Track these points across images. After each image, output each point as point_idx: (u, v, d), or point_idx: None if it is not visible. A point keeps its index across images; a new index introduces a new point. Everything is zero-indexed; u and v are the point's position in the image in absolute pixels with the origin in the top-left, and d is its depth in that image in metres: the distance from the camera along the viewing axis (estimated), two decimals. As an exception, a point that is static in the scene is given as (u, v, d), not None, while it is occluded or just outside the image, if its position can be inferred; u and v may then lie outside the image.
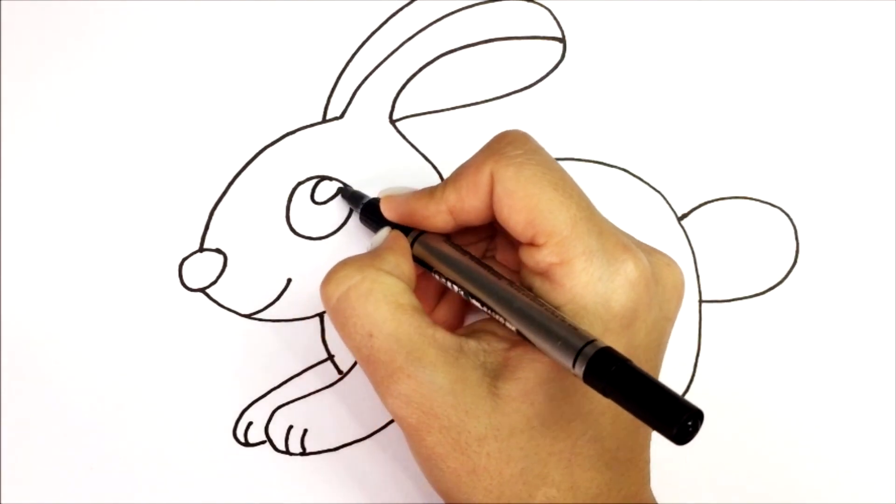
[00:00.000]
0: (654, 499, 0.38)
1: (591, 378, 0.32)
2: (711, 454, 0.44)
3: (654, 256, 0.38)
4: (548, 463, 0.35)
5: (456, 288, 0.38)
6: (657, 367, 0.38)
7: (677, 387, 0.45)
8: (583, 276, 0.36)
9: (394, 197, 0.40)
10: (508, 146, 0.37)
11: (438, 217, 0.39)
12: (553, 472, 0.35)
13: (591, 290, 0.36)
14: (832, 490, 0.44)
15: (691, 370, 0.45)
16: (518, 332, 0.35)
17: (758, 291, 0.46)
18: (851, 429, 0.45)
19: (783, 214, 0.46)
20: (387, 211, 0.40)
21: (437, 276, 0.39)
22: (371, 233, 0.42)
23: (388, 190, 0.41)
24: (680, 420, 0.30)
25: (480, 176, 0.37)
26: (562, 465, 0.36)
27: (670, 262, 0.38)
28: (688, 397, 0.44)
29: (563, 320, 0.34)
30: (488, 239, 0.41)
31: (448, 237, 0.40)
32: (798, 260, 0.46)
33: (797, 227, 0.46)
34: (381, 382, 0.36)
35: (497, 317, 0.36)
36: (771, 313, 0.45)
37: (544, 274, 0.36)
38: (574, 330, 0.34)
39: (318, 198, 0.44)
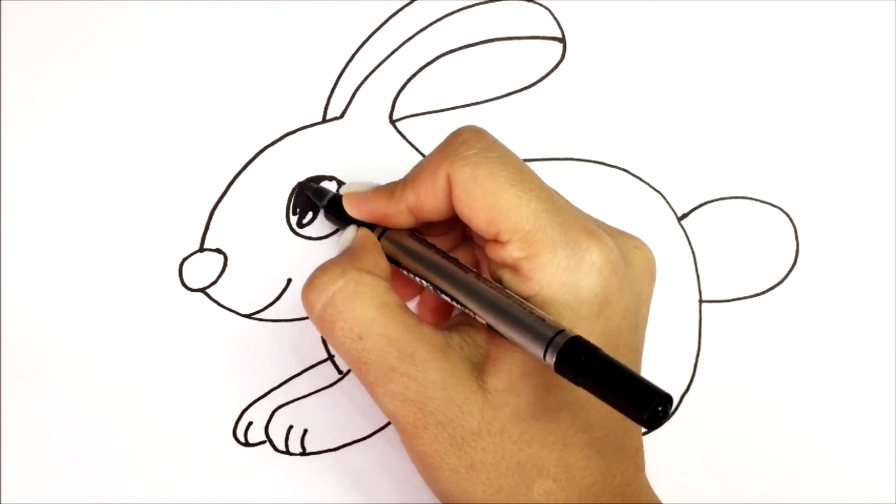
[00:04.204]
0: (648, 486, 0.38)
1: (562, 368, 0.33)
2: (712, 454, 0.44)
3: (621, 239, 0.38)
4: (542, 455, 0.36)
5: (425, 283, 0.38)
6: (637, 349, 0.38)
7: (677, 387, 0.45)
8: (549, 267, 0.36)
9: (355, 194, 0.40)
10: (462, 146, 0.37)
11: (399, 216, 0.39)
12: (548, 463, 0.36)
13: (558, 280, 0.36)
14: (832, 490, 0.44)
15: (691, 370, 0.45)
16: (489, 326, 0.36)
17: (758, 291, 0.46)
18: (852, 428, 0.45)
19: (783, 214, 0.46)
20: (349, 208, 0.40)
21: (404, 272, 0.39)
22: (334, 226, 0.42)
23: (350, 186, 0.41)
24: (650, 405, 0.30)
25: (437, 179, 0.37)
26: (555, 456, 0.36)
27: (639, 245, 0.39)
28: (688, 397, 0.44)
29: (531, 311, 0.35)
30: (460, 225, 0.41)
31: (413, 231, 0.40)
32: (798, 260, 0.46)
33: (797, 227, 0.46)
34: (375, 383, 0.36)
35: (467, 311, 0.36)
36: (771, 313, 0.45)
37: (511, 268, 0.36)
38: (542, 321, 0.34)
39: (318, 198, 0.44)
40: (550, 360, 0.33)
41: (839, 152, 0.46)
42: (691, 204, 0.46)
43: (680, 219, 0.46)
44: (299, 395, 0.43)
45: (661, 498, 0.38)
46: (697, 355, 0.45)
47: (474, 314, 0.36)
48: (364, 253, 0.38)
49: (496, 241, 0.36)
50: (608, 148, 0.46)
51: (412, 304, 0.43)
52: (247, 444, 0.43)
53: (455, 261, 0.38)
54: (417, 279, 0.38)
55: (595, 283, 0.36)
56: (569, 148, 0.45)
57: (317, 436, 0.43)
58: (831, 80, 0.47)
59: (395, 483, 0.42)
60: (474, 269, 0.37)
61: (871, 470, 0.44)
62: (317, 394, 0.43)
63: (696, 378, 0.45)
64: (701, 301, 0.45)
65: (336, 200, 0.41)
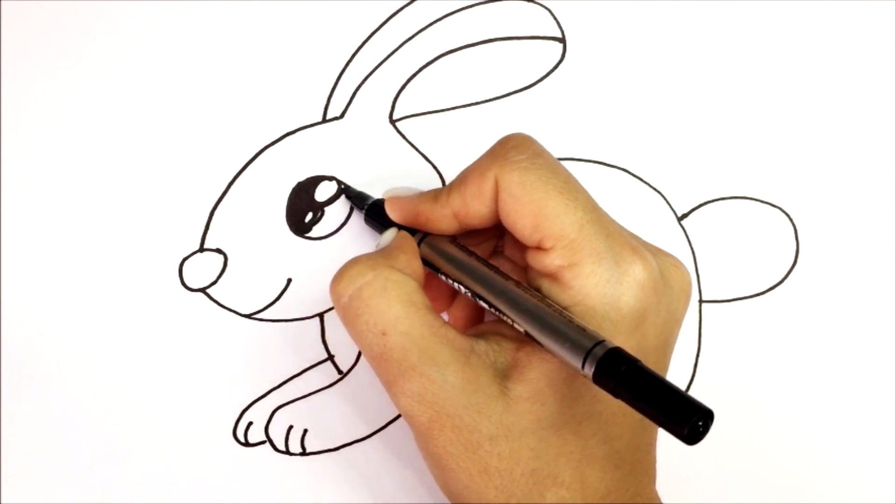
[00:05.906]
0: (658, 498, 0.38)
1: (600, 378, 0.32)
2: (712, 454, 0.44)
3: (661, 258, 0.38)
4: (558, 463, 0.35)
5: (463, 289, 0.38)
6: (665, 368, 0.38)
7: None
8: (591, 277, 0.36)
9: (399, 199, 0.40)
10: (512, 150, 0.37)
11: (443, 221, 0.39)
12: (563, 472, 0.36)
13: (599, 292, 0.36)
14: (832, 490, 0.44)
15: (691, 370, 0.45)
16: (526, 334, 0.35)
17: (758, 291, 0.46)
18: (852, 428, 0.45)
19: (783, 214, 0.46)
20: (392, 212, 0.40)
21: (443, 278, 0.39)
22: (376, 234, 0.42)
23: (393, 190, 0.41)
24: (691, 420, 0.30)
25: (485, 182, 0.37)
26: (572, 466, 0.36)
27: (677, 264, 0.39)
28: (688, 397, 0.44)
29: (571, 321, 0.34)
30: (496, 237, 0.41)
31: (454, 238, 0.40)
32: (798, 260, 0.46)
33: (797, 227, 0.46)
34: (394, 381, 0.36)
35: (505, 318, 0.36)
36: (771, 313, 0.45)
37: (552, 276, 0.36)
38: (583, 331, 0.34)
39: (318, 198, 0.44)
40: (589, 370, 0.33)
41: (839, 152, 0.46)
42: (691, 204, 0.46)
43: (680, 219, 0.46)
44: (299, 395, 0.43)
45: (662, 498, 0.38)
46: (697, 355, 0.45)
47: (512, 321, 0.36)
48: (398, 252, 0.38)
49: (539, 248, 0.36)
50: (608, 148, 0.46)
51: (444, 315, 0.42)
52: (247, 444, 0.43)
53: (495, 268, 0.38)
54: (456, 285, 0.38)
55: (636, 298, 0.36)
56: (569, 148, 0.45)
57: (317, 436, 0.43)
58: (831, 80, 0.47)
59: (395, 483, 0.42)
60: (514, 277, 0.37)
61: (871, 470, 0.44)
62: (317, 394, 0.43)
63: (696, 378, 0.45)
64: (701, 301, 0.45)
65: (377, 205, 0.41)
